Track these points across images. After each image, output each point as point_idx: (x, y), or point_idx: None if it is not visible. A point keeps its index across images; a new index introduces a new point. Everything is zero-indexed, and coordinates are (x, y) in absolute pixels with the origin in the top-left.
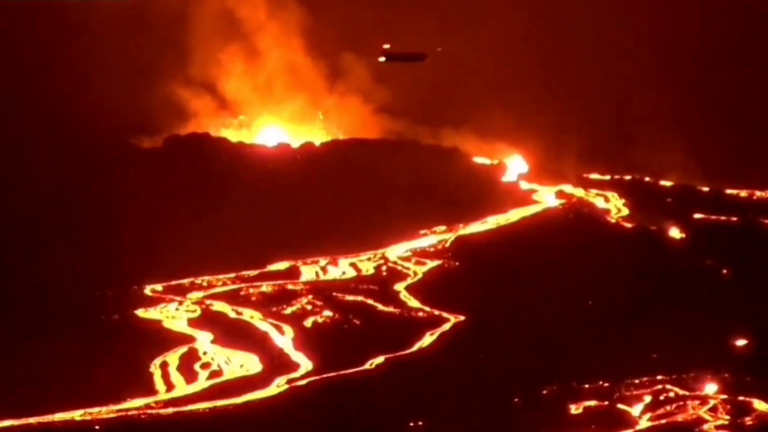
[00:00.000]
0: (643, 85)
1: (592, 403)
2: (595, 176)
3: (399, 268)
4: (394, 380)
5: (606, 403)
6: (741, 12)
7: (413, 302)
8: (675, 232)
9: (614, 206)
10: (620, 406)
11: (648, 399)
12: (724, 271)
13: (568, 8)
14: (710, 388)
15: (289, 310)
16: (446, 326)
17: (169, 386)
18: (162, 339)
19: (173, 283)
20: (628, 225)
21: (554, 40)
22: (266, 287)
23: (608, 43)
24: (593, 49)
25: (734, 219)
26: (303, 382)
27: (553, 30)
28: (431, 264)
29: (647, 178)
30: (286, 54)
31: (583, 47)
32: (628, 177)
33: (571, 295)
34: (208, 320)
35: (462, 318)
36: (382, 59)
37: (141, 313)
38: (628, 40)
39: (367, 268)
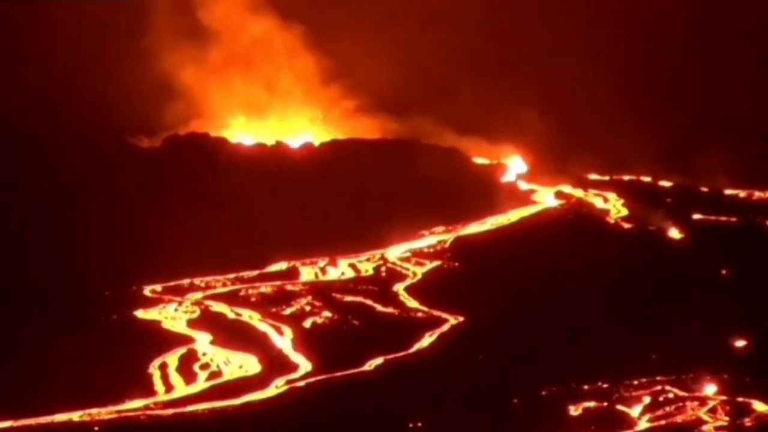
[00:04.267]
0: (643, 85)
1: (592, 404)
2: (594, 176)
3: (398, 268)
4: (393, 381)
5: (605, 404)
6: (741, 12)
7: (412, 303)
8: (674, 233)
9: (613, 206)
10: (619, 407)
11: (647, 400)
12: (724, 272)
13: (567, 7)
14: (710, 389)
15: (288, 311)
16: (445, 327)
17: (169, 387)
18: (161, 340)
19: (172, 283)
20: (628, 225)
21: (554, 40)
22: (265, 288)
23: (608, 43)
24: (593, 49)
25: (734, 219)
26: (302, 383)
27: (553, 29)
28: (430, 265)
29: (646, 178)
30: (286, 54)
31: (582, 46)
32: (627, 177)
33: (570, 295)
34: (207, 321)
35: (461, 319)
36: None
37: (140, 313)
38: (627, 39)
39: (366, 268)
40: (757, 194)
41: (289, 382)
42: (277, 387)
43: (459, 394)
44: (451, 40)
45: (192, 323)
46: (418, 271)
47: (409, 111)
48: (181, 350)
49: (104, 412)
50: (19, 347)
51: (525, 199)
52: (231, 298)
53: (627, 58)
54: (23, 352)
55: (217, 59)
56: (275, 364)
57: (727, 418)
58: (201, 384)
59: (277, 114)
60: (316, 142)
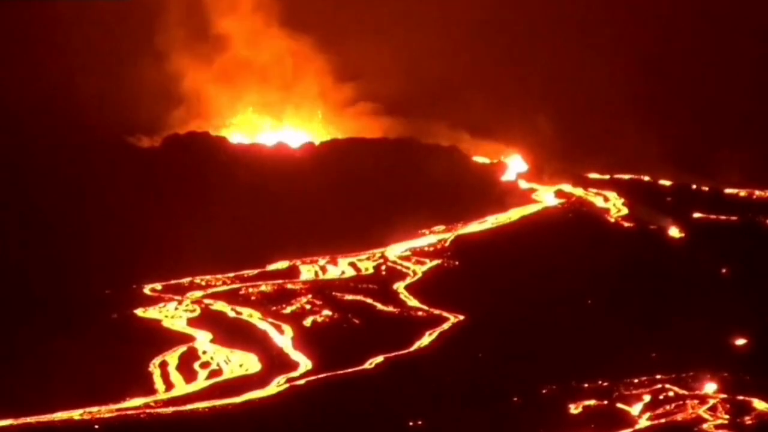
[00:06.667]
0: (643, 84)
1: (592, 402)
2: (594, 175)
3: (398, 267)
4: (393, 380)
5: (605, 402)
6: (738, 10)
7: (413, 301)
8: (674, 232)
9: (613, 205)
10: (620, 405)
11: (647, 398)
12: (724, 271)
13: (566, 7)
14: (710, 387)
15: (288, 310)
16: (446, 325)
17: (169, 386)
18: (161, 338)
19: (172, 282)
20: (628, 224)
21: (553, 39)
22: (265, 287)
23: (607, 42)
24: (592, 48)
25: (734, 218)
26: (302, 382)
27: (552, 29)
28: (431, 263)
29: (646, 178)
30: (285, 53)
31: (581, 46)
32: (627, 176)
33: (571, 294)
34: (207, 319)
35: (461, 317)
36: None
37: (140, 312)
38: (626, 39)
39: (367, 267)
40: (758, 193)
41: (289, 380)
42: (277, 385)
43: (459, 393)
44: (451, 39)
45: (192, 322)
46: (418, 270)
47: (410, 110)
48: (182, 348)
49: (104, 411)
50: (19, 347)
51: (525, 197)
52: (231, 297)
53: (628, 57)
54: (23, 352)
55: (219, 59)
56: (275, 362)
57: (727, 417)
58: (201, 382)
59: (277, 113)
60: (316, 142)
